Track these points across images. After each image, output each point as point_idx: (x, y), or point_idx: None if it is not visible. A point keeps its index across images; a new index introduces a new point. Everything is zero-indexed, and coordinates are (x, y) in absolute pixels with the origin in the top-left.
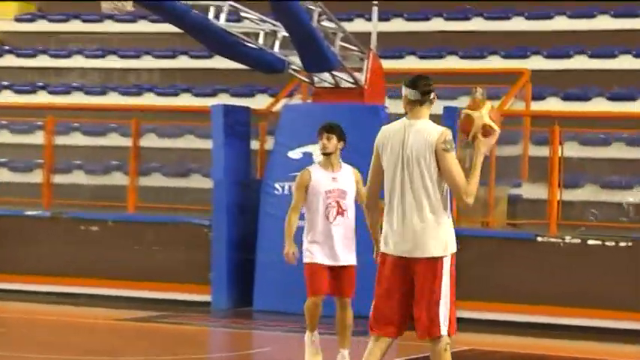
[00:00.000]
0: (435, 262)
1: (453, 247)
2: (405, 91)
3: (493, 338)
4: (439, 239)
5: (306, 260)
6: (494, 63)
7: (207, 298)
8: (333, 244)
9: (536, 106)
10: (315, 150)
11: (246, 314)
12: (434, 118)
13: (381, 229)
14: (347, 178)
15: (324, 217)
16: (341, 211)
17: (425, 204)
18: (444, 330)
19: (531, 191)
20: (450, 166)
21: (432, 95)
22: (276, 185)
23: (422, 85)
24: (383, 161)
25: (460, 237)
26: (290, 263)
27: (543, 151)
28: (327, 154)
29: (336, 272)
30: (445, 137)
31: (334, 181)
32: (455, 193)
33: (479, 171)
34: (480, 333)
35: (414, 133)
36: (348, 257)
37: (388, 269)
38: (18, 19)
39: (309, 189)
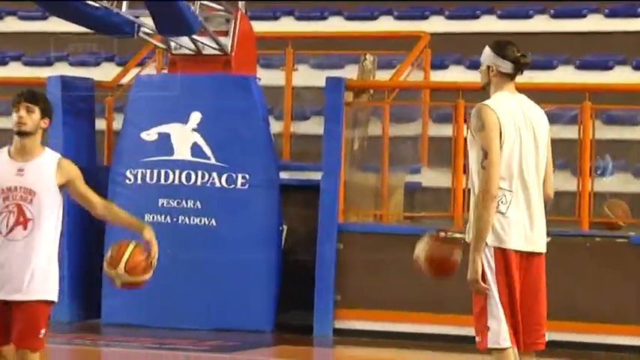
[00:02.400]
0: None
1: None
2: (498, 60)
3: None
4: None
5: None
6: (387, 25)
7: None
8: (6, 271)
9: (437, 77)
10: (173, 130)
11: (93, 328)
12: (315, 90)
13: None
14: (42, 173)
15: None
16: (22, 221)
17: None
18: None
19: (432, 178)
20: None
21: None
22: (128, 173)
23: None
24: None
25: (347, 233)
26: None
27: (446, 131)
28: (22, 134)
29: (10, 312)
30: None
31: (19, 174)
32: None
33: None
34: (369, 347)
35: (533, 112)
36: (32, 289)
37: (513, 268)
38: None
39: None
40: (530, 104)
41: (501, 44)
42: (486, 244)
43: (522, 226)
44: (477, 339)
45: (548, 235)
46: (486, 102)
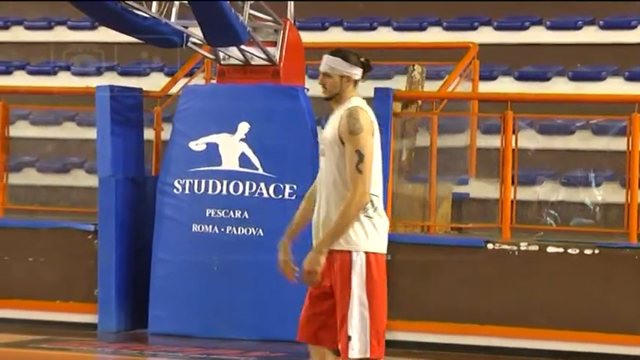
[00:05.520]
0: None
1: None
2: (351, 69)
3: None
4: None
5: None
6: (436, 36)
7: (93, 318)
8: None
9: (486, 87)
10: (221, 140)
11: (140, 338)
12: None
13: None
14: None
15: None
16: None
17: None
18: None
19: (480, 189)
20: None
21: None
22: (175, 183)
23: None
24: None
25: (394, 244)
26: None
27: (494, 142)
28: None
29: None
30: None
31: None
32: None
33: None
34: (416, 359)
35: None
36: None
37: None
38: None
39: None
40: None
41: (348, 52)
42: (365, 252)
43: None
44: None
45: (596, 247)
46: (360, 105)
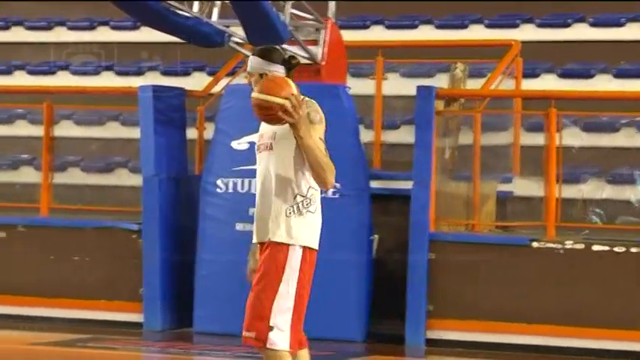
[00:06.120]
0: None
1: None
2: (271, 66)
3: None
4: None
5: None
6: (478, 33)
7: (137, 317)
8: None
9: (529, 85)
10: None
11: (185, 336)
12: (405, 98)
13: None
14: None
15: None
16: None
17: None
18: None
19: (524, 187)
20: None
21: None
22: (219, 182)
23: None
24: None
25: (438, 242)
26: None
27: (538, 139)
28: None
29: None
30: None
31: None
32: None
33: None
34: (461, 358)
35: None
36: None
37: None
38: None
39: None
40: None
41: (267, 50)
42: (302, 247)
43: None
44: (254, 335)
45: (637, 244)
46: (308, 98)
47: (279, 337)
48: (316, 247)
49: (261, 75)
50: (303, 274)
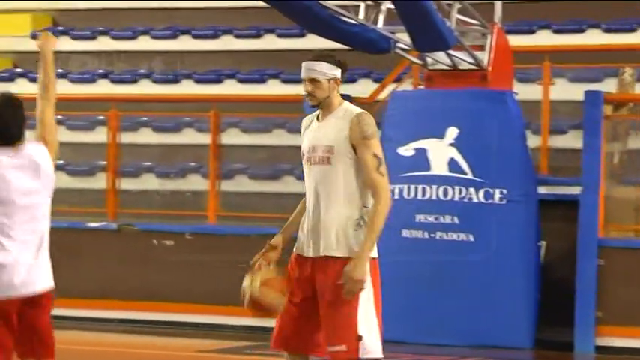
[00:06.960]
0: None
1: None
2: (338, 72)
3: None
4: None
5: None
6: None
7: None
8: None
9: None
10: (430, 145)
11: None
12: (573, 103)
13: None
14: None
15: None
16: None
17: None
18: None
19: None
20: None
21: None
22: None
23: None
24: None
25: (607, 248)
26: None
27: None
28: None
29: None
30: None
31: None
32: None
33: None
34: None
35: None
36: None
37: None
38: None
39: None
40: None
41: (330, 55)
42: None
43: None
44: (344, 347)
45: None
46: (363, 110)
47: (371, 345)
48: (376, 255)
49: (329, 80)
50: (375, 283)
